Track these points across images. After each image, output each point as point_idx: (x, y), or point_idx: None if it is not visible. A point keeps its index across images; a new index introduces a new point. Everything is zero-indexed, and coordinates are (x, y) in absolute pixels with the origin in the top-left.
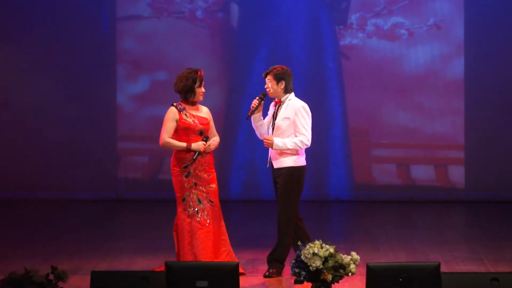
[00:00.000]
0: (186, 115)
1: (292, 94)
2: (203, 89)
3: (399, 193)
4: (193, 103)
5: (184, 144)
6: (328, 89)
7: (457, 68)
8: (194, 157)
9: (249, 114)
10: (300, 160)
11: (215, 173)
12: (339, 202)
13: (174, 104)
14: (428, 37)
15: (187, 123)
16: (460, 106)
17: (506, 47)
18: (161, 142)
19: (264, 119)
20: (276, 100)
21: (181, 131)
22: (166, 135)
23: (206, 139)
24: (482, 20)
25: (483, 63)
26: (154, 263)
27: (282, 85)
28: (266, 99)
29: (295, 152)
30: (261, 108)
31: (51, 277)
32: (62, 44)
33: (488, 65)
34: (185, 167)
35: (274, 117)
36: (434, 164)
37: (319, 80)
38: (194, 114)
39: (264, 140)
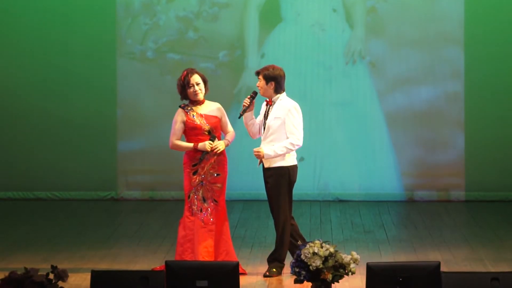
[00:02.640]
0: (193, 115)
1: (284, 94)
2: (194, 89)
3: (399, 193)
4: (199, 102)
5: (191, 145)
6: None
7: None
8: (201, 157)
9: (241, 113)
10: (290, 159)
11: (226, 173)
12: (339, 202)
13: (182, 105)
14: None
15: (193, 124)
16: (460, 104)
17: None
18: (170, 145)
19: (256, 118)
20: (267, 99)
21: (189, 131)
22: (174, 138)
23: (213, 138)
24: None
25: (484, 58)
26: (154, 263)
27: (272, 85)
28: (257, 98)
29: None
30: (252, 106)
31: (51, 276)
32: (61, 46)
33: (489, 62)
34: (194, 165)
35: (266, 116)
36: (434, 163)
37: None
38: (202, 113)
39: (254, 153)
